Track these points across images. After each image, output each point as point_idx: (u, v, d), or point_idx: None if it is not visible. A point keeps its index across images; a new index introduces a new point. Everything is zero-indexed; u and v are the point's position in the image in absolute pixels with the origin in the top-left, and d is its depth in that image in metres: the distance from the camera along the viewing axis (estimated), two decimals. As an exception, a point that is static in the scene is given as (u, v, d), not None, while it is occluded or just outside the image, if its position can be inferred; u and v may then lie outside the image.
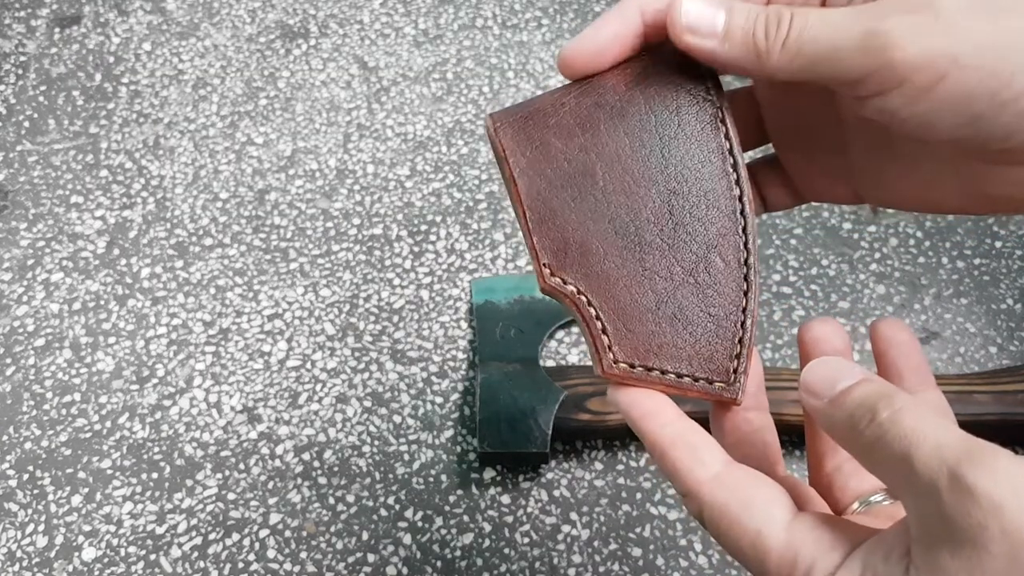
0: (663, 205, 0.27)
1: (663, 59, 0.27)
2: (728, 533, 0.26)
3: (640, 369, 0.26)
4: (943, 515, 0.21)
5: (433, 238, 0.71)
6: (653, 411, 0.27)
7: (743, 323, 0.24)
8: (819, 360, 0.26)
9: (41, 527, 0.56)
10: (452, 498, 0.58)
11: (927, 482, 0.21)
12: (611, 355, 0.27)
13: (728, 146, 0.26)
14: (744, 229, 0.24)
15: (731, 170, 0.25)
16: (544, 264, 0.29)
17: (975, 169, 0.28)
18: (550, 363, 0.64)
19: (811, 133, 0.32)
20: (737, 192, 0.25)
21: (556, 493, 0.58)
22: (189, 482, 0.58)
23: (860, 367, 0.25)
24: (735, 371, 0.24)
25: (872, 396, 0.24)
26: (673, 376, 0.26)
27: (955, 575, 0.21)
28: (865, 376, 0.25)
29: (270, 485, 0.58)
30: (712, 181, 0.26)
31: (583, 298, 0.28)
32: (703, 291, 0.25)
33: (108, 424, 0.61)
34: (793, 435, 0.57)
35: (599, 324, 0.27)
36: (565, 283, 0.28)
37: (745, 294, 0.24)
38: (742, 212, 0.25)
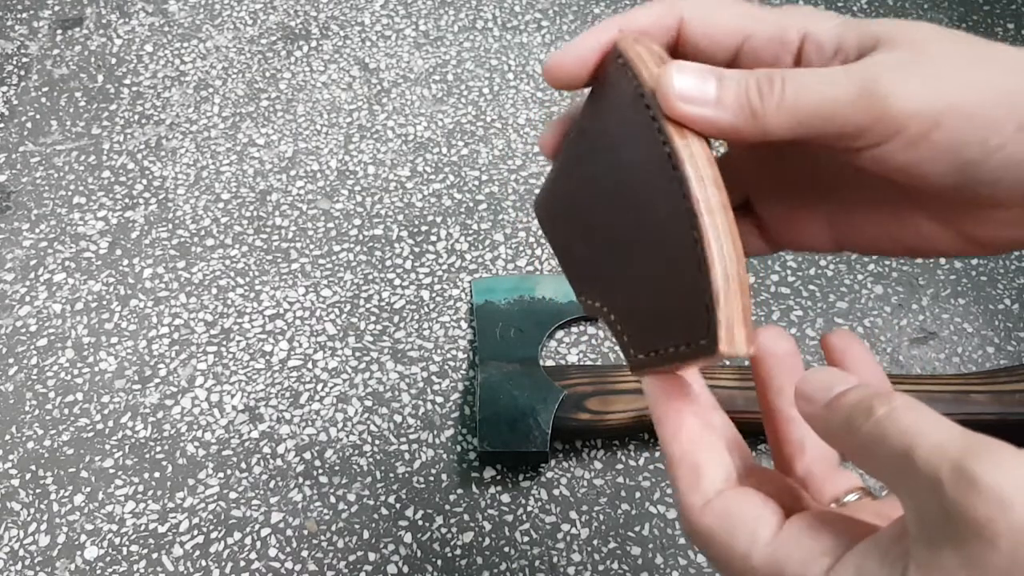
0: (627, 212, 0.28)
1: (615, 76, 0.28)
2: (717, 559, 0.26)
3: (652, 355, 0.28)
4: (946, 511, 0.20)
5: (433, 239, 0.72)
6: (675, 421, 0.27)
7: (708, 286, 0.24)
8: (813, 369, 0.26)
9: (44, 526, 0.56)
10: (452, 497, 0.58)
11: (929, 477, 0.21)
12: (631, 352, 0.29)
13: (657, 127, 0.26)
14: (690, 211, 0.25)
15: (667, 156, 0.26)
16: (579, 294, 0.32)
17: (961, 213, 0.28)
18: (550, 363, 0.64)
19: (791, 186, 0.32)
20: (676, 174, 0.25)
21: (556, 492, 0.58)
22: (191, 481, 0.58)
23: (854, 376, 0.26)
24: (708, 325, 0.24)
25: (868, 397, 0.24)
26: (672, 350, 0.26)
27: (958, 572, 0.20)
28: (860, 382, 0.25)
29: (271, 484, 0.58)
30: (653, 176, 0.26)
31: (604, 309, 0.30)
32: (673, 277, 0.26)
33: (110, 423, 0.61)
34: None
35: (618, 327, 0.30)
36: (593, 302, 0.31)
37: (700, 266, 0.24)
38: (685, 196, 0.25)
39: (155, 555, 0.55)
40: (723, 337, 0.24)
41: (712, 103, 0.26)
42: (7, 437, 0.60)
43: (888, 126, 0.25)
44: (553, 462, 0.59)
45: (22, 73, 0.84)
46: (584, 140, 0.30)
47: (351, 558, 0.55)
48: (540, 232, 0.72)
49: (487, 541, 0.56)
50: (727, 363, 0.61)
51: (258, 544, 0.56)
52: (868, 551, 0.23)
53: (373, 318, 0.67)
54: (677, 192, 0.25)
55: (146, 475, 0.59)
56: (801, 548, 0.24)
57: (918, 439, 0.21)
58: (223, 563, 0.55)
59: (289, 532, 0.56)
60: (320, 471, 0.59)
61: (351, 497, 0.58)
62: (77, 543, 0.56)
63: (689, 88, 0.26)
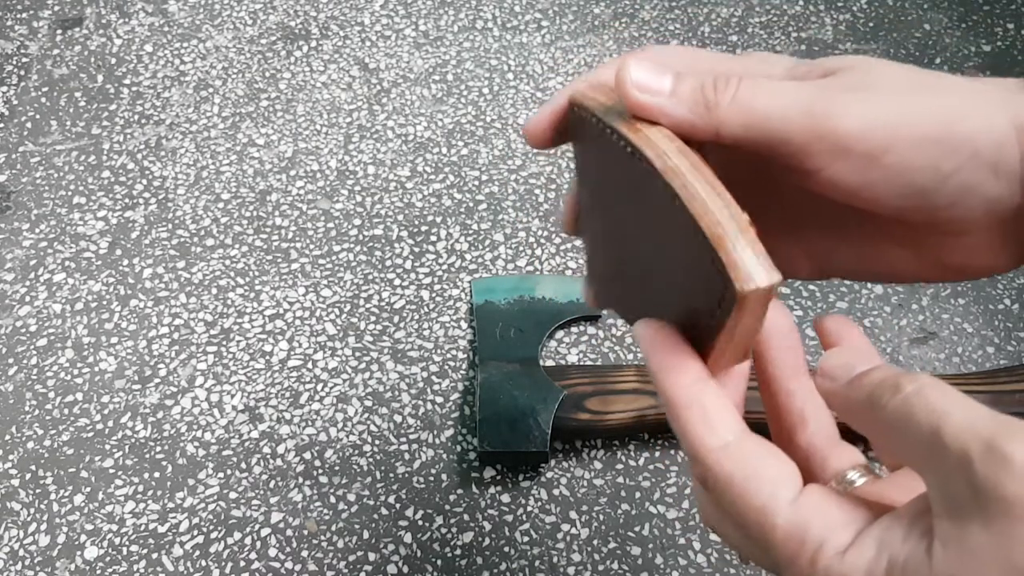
0: (638, 228, 0.28)
1: (577, 125, 0.30)
2: (732, 506, 0.26)
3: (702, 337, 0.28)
4: (975, 487, 0.20)
5: (433, 239, 0.72)
6: (676, 367, 0.27)
7: (706, 239, 0.24)
8: (837, 348, 0.26)
9: (44, 526, 0.56)
10: (452, 497, 0.58)
11: (958, 454, 0.21)
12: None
13: (615, 136, 0.27)
14: (664, 185, 0.25)
15: (631, 154, 0.26)
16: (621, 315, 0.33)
17: (927, 240, 0.29)
18: (550, 363, 0.64)
19: (768, 218, 0.33)
20: (641, 164, 0.26)
21: (556, 492, 0.58)
22: (191, 481, 0.58)
23: (876, 357, 0.26)
24: (722, 273, 0.24)
25: (894, 375, 0.24)
26: (712, 323, 0.26)
27: (986, 548, 0.20)
28: (884, 363, 0.25)
29: (271, 484, 0.58)
30: (634, 180, 0.27)
31: (631, 318, 0.31)
32: (686, 255, 0.26)
33: (110, 423, 0.61)
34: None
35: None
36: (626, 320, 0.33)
37: (695, 229, 0.24)
38: (653, 172, 0.25)
39: (155, 555, 0.55)
40: (737, 275, 0.23)
41: (667, 94, 0.27)
42: (7, 437, 0.60)
43: (832, 145, 0.26)
44: (553, 462, 0.59)
45: (22, 73, 0.84)
46: (587, 194, 0.31)
47: (351, 558, 0.55)
48: (540, 232, 0.72)
49: (487, 541, 0.56)
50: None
51: (258, 544, 0.56)
52: (890, 526, 0.23)
53: (373, 318, 0.67)
54: (651, 176, 0.25)
55: (146, 475, 0.59)
56: (824, 516, 0.24)
57: (946, 417, 0.22)
58: (223, 563, 0.55)
59: (289, 532, 0.56)
60: (320, 471, 0.59)
61: (351, 497, 0.58)
62: (77, 543, 0.56)
63: (645, 79, 0.27)
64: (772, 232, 0.31)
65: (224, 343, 0.65)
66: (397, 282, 0.69)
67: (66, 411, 0.62)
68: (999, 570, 0.20)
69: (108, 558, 0.55)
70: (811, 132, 0.26)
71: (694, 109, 0.26)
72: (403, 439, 0.61)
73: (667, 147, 0.25)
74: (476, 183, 0.75)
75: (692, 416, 0.26)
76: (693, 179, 0.25)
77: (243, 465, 0.59)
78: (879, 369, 0.25)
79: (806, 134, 0.26)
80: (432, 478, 0.59)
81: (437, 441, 0.60)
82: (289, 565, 0.55)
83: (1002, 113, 0.26)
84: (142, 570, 0.55)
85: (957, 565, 0.21)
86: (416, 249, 0.71)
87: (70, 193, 0.74)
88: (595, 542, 0.56)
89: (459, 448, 0.60)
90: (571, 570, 0.55)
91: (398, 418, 0.61)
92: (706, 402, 0.26)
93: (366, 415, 0.62)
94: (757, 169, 0.28)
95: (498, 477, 0.59)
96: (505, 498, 0.58)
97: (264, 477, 0.59)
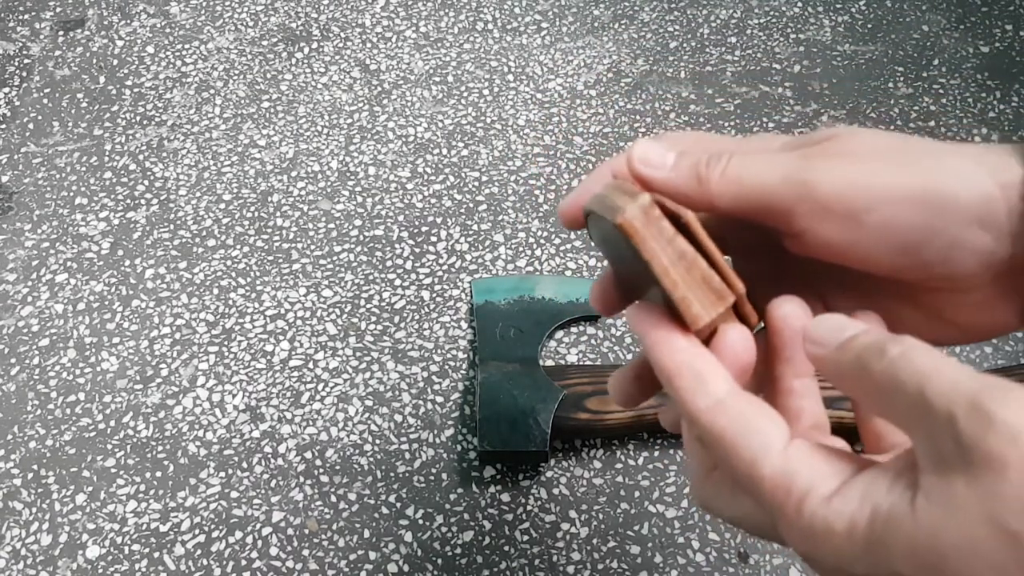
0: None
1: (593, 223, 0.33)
2: (725, 460, 0.27)
3: None
4: (960, 444, 0.21)
5: (434, 239, 0.72)
6: (666, 339, 0.28)
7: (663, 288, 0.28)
8: (824, 315, 0.27)
9: (46, 525, 0.57)
10: (453, 496, 0.58)
11: (944, 412, 0.22)
12: None
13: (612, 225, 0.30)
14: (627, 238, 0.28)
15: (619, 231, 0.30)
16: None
17: (932, 299, 0.30)
18: (549, 363, 0.64)
19: (787, 280, 0.34)
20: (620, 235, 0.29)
21: (555, 491, 0.58)
22: (192, 480, 0.59)
23: (864, 323, 0.27)
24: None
25: (881, 338, 0.25)
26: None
27: (969, 502, 0.21)
28: (870, 327, 0.26)
29: (272, 483, 0.59)
30: (628, 253, 0.30)
31: None
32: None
33: (112, 423, 0.61)
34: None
35: None
36: None
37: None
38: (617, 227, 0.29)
39: (157, 554, 0.55)
40: (689, 318, 0.28)
41: (668, 168, 0.30)
42: (9, 437, 0.60)
43: (812, 205, 0.28)
44: (553, 461, 0.60)
45: (24, 74, 0.84)
46: (617, 270, 0.34)
47: (352, 557, 0.56)
48: (539, 233, 0.72)
49: (487, 540, 0.56)
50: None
51: (259, 543, 0.56)
52: (875, 478, 0.24)
53: (374, 318, 0.67)
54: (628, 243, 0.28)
55: (148, 474, 0.59)
56: (810, 466, 0.25)
57: (931, 377, 0.22)
58: (224, 562, 0.55)
59: (290, 531, 0.56)
60: (321, 470, 0.59)
61: (352, 496, 0.58)
62: (79, 542, 0.56)
63: (649, 154, 0.30)
64: (793, 291, 0.33)
65: (226, 343, 0.65)
66: (398, 282, 0.69)
67: (68, 411, 0.62)
68: (980, 522, 0.21)
69: (110, 557, 0.55)
70: (794, 196, 0.28)
71: (688, 183, 0.29)
72: (403, 438, 0.61)
73: (632, 212, 0.28)
74: (476, 184, 0.76)
75: (684, 379, 0.27)
76: (650, 231, 0.28)
77: (244, 464, 0.59)
78: (866, 333, 0.26)
79: (789, 199, 0.28)
80: (432, 477, 0.59)
81: (437, 440, 0.61)
82: (290, 564, 0.55)
83: (985, 172, 0.27)
84: (144, 569, 0.55)
85: (940, 516, 0.22)
86: (416, 250, 0.71)
87: (72, 194, 0.75)
88: (595, 541, 0.56)
89: (459, 447, 0.60)
90: (571, 569, 0.55)
91: (399, 418, 0.62)
92: (697, 365, 0.27)
93: (367, 415, 0.62)
94: (767, 237, 0.31)
95: (498, 476, 0.59)
96: (505, 497, 0.58)
97: (265, 476, 0.59)
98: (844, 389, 0.26)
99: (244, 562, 0.55)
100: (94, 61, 0.85)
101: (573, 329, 0.67)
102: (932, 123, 0.81)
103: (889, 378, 0.24)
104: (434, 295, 0.68)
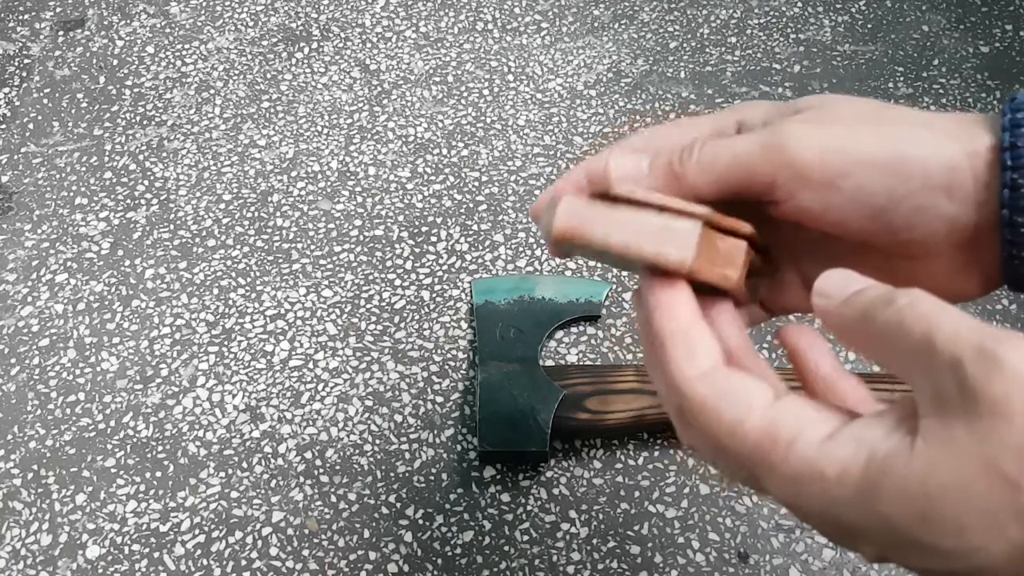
0: None
1: None
2: (706, 427, 0.26)
3: None
4: (963, 388, 0.21)
5: (434, 239, 0.72)
6: (668, 303, 0.28)
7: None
8: (832, 270, 0.28)
9: (46, 525, 0.57)
10: (453, 496, 0.58)
11: (949, 358, 0.21)
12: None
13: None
14: None
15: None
16: None
17: (899, 265, 0.31)
18: (549, 363, 0.64)
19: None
20: None
21: (555, 491, 0.59)
22: (192, 480, 0.59)
23: (871, 279, 0.27)
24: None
25: (888, 291, 0.25)
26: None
27: (968, 445, 0.21)
28: (878, 283, 0.26)
29: (272, 483, 0.59)
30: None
31: None
32: None
33: (112, 423, 0.61)
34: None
35: None
36: None
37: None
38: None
39: (157, 554, 0.55)
40: (674, 267, 0.28)
41: (644, 174, 0.30)
42: (9, 437, 0.60)
43: (793, 173, 0.28)
44: (553, 461, 0.60)
45: (24, 74, 0.84)
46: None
47: (352, 557, 0.56)
48: (540, 233, 0.72)
49: (487, 540, 0.56)
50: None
51: (259, 543, 0.56)
52: (872, 424, 0.24)
53: (374, 318, 0.67)
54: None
55: (148, 474, 0.59)
56: (796, 415, 0.25)
57: (939, 324, 0.22)
58: (224, 562, 0.55)
59: (290, 531, 0.57)
60: (321, 470, 0.59)
61: (352, 496, 0.58)
62: (79, 542, 0.56)
63: (625, 169, 0.30)
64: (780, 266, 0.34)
65: (226, 343, 0.65)
66: (398, 282, 0.69)
67: (68, 411, 0.62)
68: (978, 466, 0.21)
69: (110, 557, 0.55)
70: (774, 166, 0.28)
71: (667, 180, 0.30)
72: (403, 438, 0.61)
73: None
74: (476, 184, 0.76)
75: (676, 345, 0.27)
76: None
77: (244, 464, 0.60)
78: (873, 287, 0.26)
79: (769, 169, 0.28)
80: (432, 477, 0.59)
81: (437, 440, 0.61)
82: (290, 564, 0.55)
83: (953, 141, 0.28)
84: (144, 569, 0.55)
85: (938, 459, 0.21)
86: (416, 250, 0.71)
87: (72, 194, 0.75)
88: (594, 541, 0.56)
89: (459, 447, 0.60)
90: (571, 569, 0.55)
91: (399, 418, 0.62)
92: (692, 334, 0.28)
93: (367, 415, 0.62)
94: (744, 209, 0.31)
95: (498, 476, 0.59)
96: (505, 497, 0.58)
97: (265, 476, 0.59)
98: (848, 341, 0.26)
99: (244, 562, 0.55)
100: (94, 61, 0.85)
101: (573, 329, 0.67)
102: (932, 123, 0.81)
103: (895, 325, 0.23)
104: (434, 295, 0.68)
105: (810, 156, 0.28)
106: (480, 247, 0.71)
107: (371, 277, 0.70)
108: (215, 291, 0.68)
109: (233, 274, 0.70)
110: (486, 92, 0.83)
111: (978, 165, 0.28)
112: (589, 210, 0.29)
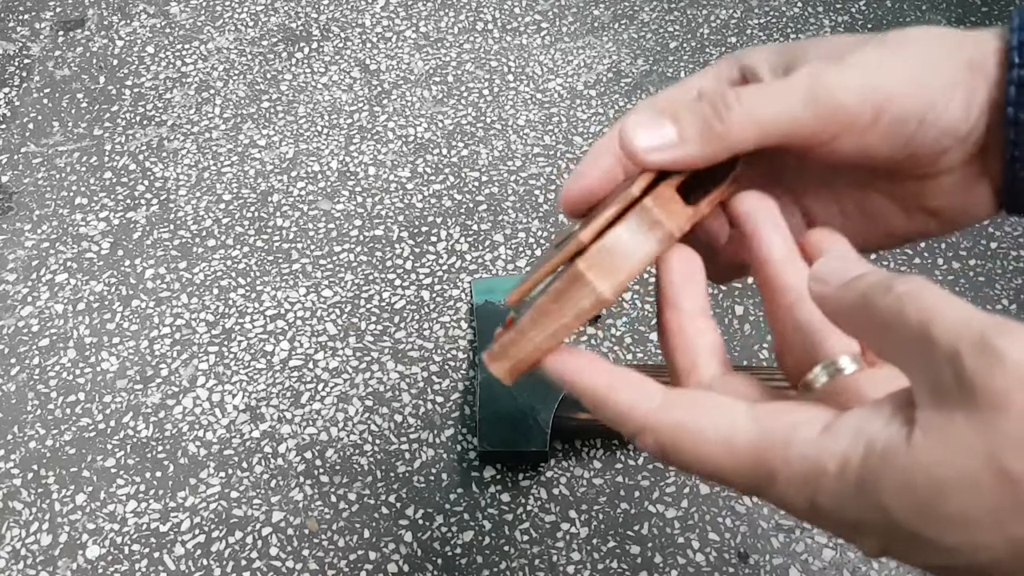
0: None
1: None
2: (692, 451, 0.25)
3: None
4: (963, 380, 0.21)
5: (434, 239, 0.72)
6: (585, 366, 0.27)
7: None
8: (828, 255, 0.27)
9: (46, 525, 0.57)
10: (453, 496, 0.58)
11: (948, 348, 0.21)
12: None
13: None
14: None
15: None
16: None
17: (909, 188, 0.31)
18: (550, 363, 0.64)
19: (772, 190, 0.33)
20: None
21: (555, 491, 0.59)
22: (192, 480, 0.59)
23: (868, 264, 0.26)
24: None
25: (887, 277, 0.24)
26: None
27: (967, 437, 0.21)
28: (878, 269, 0.26)
29: (272, 483, 0.59)
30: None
31: None
32: None
33: (112, 423, 0.61)
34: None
35: None
36: None
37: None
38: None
39: (157, 554, 0.55)
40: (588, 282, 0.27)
41: (676, 143, 0.28)
42: (9, 437, 0.60)
43: (841, 121, 0.28)
44: (553, 461, 0.60)
45: (24, 74, 0.84)
46: None
47: (352, 557, 0.56)
48: (540, 233, 0.72)
49: (487, 540, 0.56)
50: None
51: (259, 543, 0.56)
52: (868, 415, 0.23)
53: (374, 318, 0.67)
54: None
55: (148, 474, 0.59)
56: (785, 418, 0.24)
57: (938, 313, 0.22)
58: (224, 562, 0.55)
59: (290, 531, 0.57)
60: (321, 470, 0.59)
61: (352, 496, 0.58)
62: (79, 542, 0.56)
63: (650, 139, 0.27)
64: (779, 200, 0.32)
65: (225, 343, 0.65)
66: (398, 282, 0.69)
67: (68, 411, 0.62)
68: (977, 459, 0.20)
69: (110, 557, 0.55)
70: (816, 119, 0.27)
71: (707, 144, 0.28)
72: (403, 438, 0.61)
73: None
74: (476, 184, 0.76)
75: (622, 391, 0.26)
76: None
77: (244, 464, 0.60)
78: (872, 273, 0.25)
79: (812, 123, 0.27)
80: (432, 477, 0.59)
81: (437, 440, 0.61)
82: (290, 564, 0.55)
83: (963, 51, 0.29)
84: (144, 569, 0.55)
85: (937, 451, 0.21)
86: (416, 250, 0.71)
87: (72, 194, 0.75)
88: (594, 541, 0.56)
89: (459, 447, 0.60)
90: (571, 569, 0.55)
91: (399, 418, 0.62)
92: (629, 377, 0.27)
93: (367, 415, 0.62)
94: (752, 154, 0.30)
95: (498, 476, 0.59)
96: (505, 497, 0.58)
97: (265, 476, 0.59)
98: (845, 327, 0.26)
99: (244, 562, 0.55)
100: (94, 61, 0.85)
101: (573, 329, 0.67)
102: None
103: (893, 313, 0.23)
104: (434, 295, 0.68)
105: (855, 101, 0.27)
106: (480, 247, 0.71)
107: (371, 277, 0.70)
108: (215, 291, 0.68)
109: (233, 274, 0.70)
110: (486, 92, 0.83)
111: (989, 67, 0.28)
112: (510, 343, 0.28)
